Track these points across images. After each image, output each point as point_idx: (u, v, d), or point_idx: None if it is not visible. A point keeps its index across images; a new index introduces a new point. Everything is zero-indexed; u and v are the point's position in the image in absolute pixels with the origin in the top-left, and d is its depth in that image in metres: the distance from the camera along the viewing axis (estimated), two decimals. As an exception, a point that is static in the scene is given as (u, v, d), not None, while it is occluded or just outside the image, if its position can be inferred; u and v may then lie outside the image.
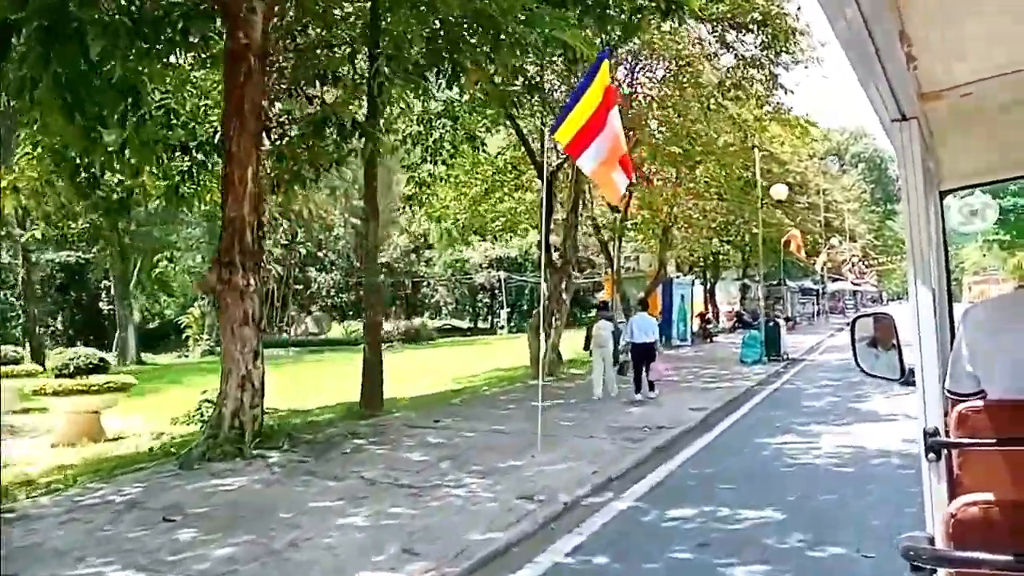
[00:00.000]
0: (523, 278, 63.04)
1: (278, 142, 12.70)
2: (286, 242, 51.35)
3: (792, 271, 41.92)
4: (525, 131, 19.64)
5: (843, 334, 35.13)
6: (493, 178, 21.54)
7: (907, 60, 1.69)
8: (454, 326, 67.37)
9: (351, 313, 62.75)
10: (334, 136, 12.07)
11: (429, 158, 16.52)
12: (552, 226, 20.88)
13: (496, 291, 67.46)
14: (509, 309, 64.55)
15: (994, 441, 1.81)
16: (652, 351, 15.30)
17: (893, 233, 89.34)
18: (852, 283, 61.33)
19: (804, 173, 39.85)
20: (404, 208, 27.36)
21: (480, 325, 68.93)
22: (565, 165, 19.23)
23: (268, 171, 12.08)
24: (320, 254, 56.80)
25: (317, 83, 13.17)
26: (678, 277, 31.16)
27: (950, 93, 1.99)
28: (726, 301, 44.92)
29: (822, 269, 36.39)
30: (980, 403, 1.92)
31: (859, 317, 2.80)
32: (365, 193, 13.72)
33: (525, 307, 63.49)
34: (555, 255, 20.03)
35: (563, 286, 19.22)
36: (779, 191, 22.73)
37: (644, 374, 14.82)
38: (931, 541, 1.73)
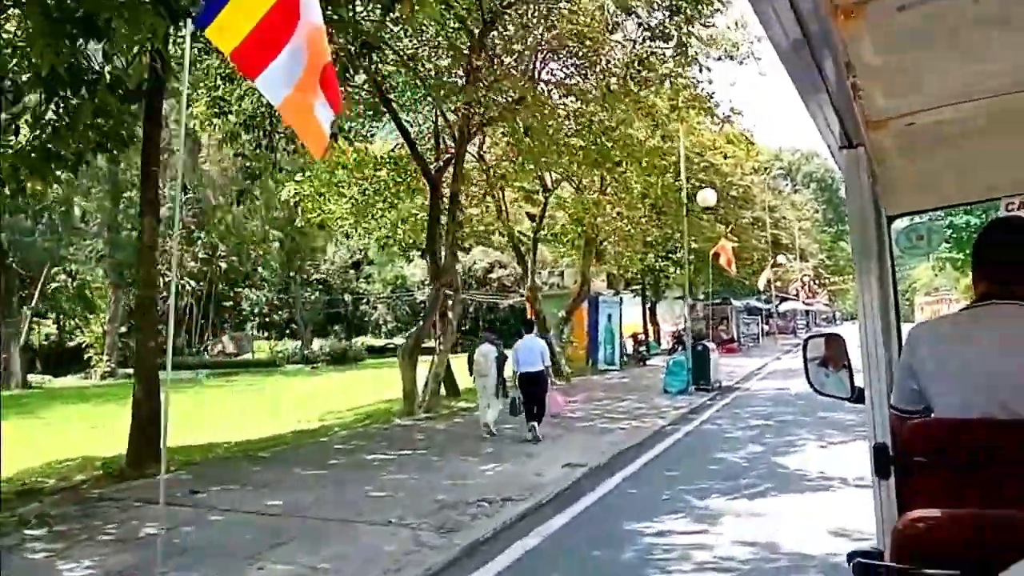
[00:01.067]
0: (467, 296, 59.28)
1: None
2: (205, 255, 47.34)
3: (737, 289, 39.25)
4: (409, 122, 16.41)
5: (790, 357, 32.38)
6: (376, 177, 18.10)
7: (852, 90, 1.70)
8: (397, 345, 63.76)
9: (288, 332, 58.73)
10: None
11: (264, 144, 13.03)
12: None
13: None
14: (450, 328, 61.36)
15: (940, 458, 1.84)
16: (540, 382, 12.05)
17: (846, 253, 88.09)
18: (804, 303, 59.06)
19: (748, 187, 37.29)
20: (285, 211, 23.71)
21: (427, 344, 65.50)
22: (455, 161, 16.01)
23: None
24: (247, 269, 52.69)
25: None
26: (606, 294, 27.97)
27: (894, 122, 2.03)
28: (671, 320, 42.04)
29: (766, 287, 33.80)
30: (927, 420, 1.97)
31: (811, 337, 2.73)
32: (141, 180, 10.25)
33: (468, 326, 60.35)
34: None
35: (448, 303, 15.91)
36: (706, 197, 19.73)
37: (536, 409, 11.89)
38: (880, 556, 1.81)
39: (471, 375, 14.29)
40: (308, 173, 18.56)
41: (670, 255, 33.99)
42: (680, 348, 32.58)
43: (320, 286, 63.07)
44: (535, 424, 11.91)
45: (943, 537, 1.61)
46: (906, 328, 2.40)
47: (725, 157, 35.04)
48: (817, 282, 70.90)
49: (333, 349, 45.80)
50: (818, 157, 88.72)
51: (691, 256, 34.66)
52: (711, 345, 19.97)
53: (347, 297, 63.86)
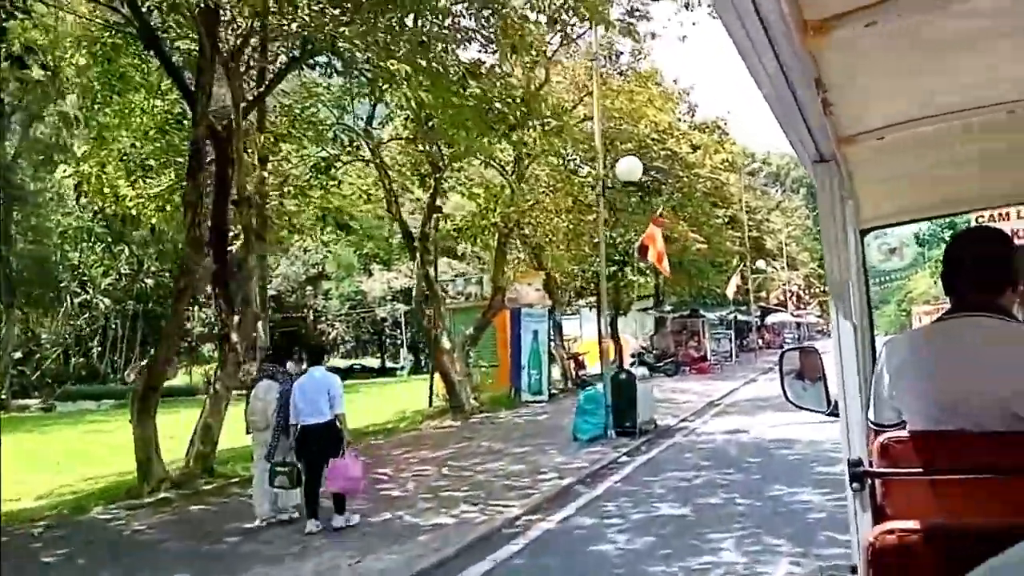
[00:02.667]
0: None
1: None
2: (129, 271, 42.07)
3: (712, 301, 33.88)
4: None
5: (766, 379, 26.95)
6: (143, 125, 12.48)
7: (823, 106, 1.68)
8: (364, 366, 58.61)
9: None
10: None
11: None
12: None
13: (400, 327, 58.62)
14: (410, 347, 55.64)
15: (915, 471, 1.82)
16: (332, 438, 7.64)
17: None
18: (793, 314, 53.64)
19: (722, 182, 32.06)
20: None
21: (393, 364, 59.81)
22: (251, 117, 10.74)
23: None
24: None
25: None
26: (536, 307, 22.58)
27: (865, 137, 2.05)
28: (640, 335, 36.65)
29: (735, 295, 28.55)
30: (901, 434, 1.94)
31: (786, 351, 2.81)
32: None
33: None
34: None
35: (233, 321, 10.56)
36: (629, 168, 14.27)
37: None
38: (853, 569, 1.90)
39: (248, 430, 8.97)
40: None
41: (627, 258, 28.71)
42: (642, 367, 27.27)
43: (272, 304, 57.66)
44: (338, 498, 6.95)
45: (917, 549, 1.57)
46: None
47: (694, 148, 29.96)
48: (808, 292, 65.53)
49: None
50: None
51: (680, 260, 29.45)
52: (640, 371, 14.55)
53: (300, 315, 58.51)
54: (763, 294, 39.28)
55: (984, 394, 1.83)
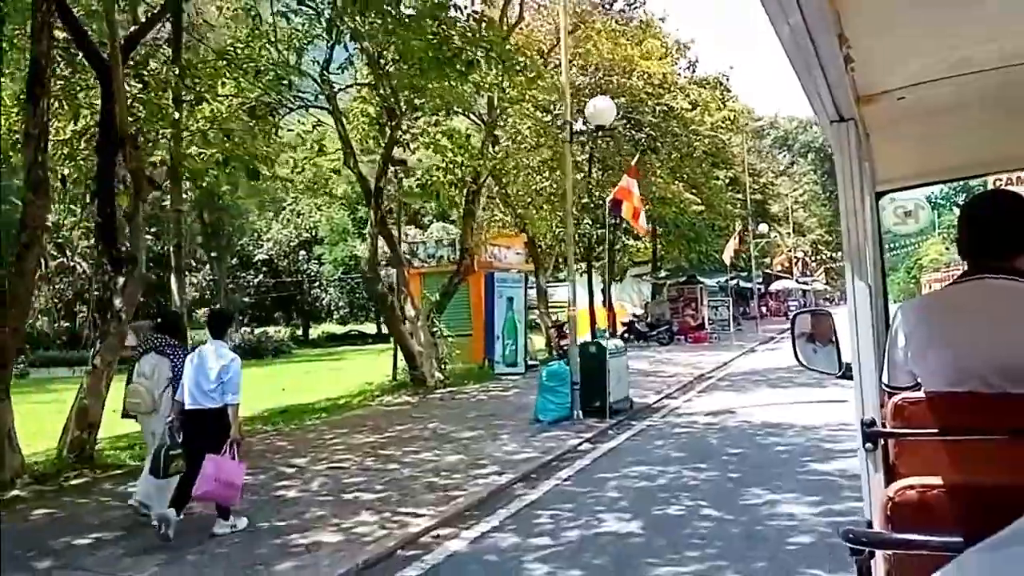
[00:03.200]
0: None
1: None
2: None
3: (710, 266, 31.93)
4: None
5: (766, 349, 25.16)
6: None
7: (845, 63, 1.66)
8: (360, 332, 57.24)
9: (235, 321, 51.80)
10: None
11: None
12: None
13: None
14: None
15: (931, 431, 1.81)
16: (213, 428, 6.16)
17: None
18: (798, 281, 51.63)
19: (723, 142, 30.00)
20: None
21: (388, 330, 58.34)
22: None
23: None
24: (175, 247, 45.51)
25: None
26: (512, 273, 20.77)
27: (885, 96, 2.02)
28: (638, 302, 34.86)
29: (733, 260, 26.60)
30: (916, 395, 1.94)
31: (799, 314, 2.71)
32: None
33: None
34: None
35: (118, 283, 8.84)
36: (599, 110, 12.18)
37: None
38: (869, 525, 1.76)
39: (124, 413, 7.29)
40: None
41: (613, 223, 26.81)
42: (632, 338, 25.50)
43: (265, 268, 56.21)
44: (171, 512, 5.70)
45: (935, 504, 1.59)
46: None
47: (694, 106, 27.85)
48: (815, 259, 63.49)
49: (245, 340, 38.56)
50: (817, 126, 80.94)
51: (675, 221, 27.28)
52: (614, 343, 12.74)
53: (292, 280, 56.94)
54: (768, 260, 37.25)
55: (1000, 356, 1.82)
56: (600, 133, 15.87)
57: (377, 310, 62.84)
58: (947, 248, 53.64)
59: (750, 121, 62.44)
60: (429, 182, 15.70)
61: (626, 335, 25.68)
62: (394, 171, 15.80)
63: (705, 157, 28.71)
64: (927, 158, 2.76)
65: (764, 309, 48.26)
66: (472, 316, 19.06)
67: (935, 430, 1.81)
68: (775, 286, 48.94)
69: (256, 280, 55.14)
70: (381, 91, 14.27)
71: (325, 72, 15.31)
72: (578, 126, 13.16)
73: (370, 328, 59.56)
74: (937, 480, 1.60)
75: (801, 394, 12.89)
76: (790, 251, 51.97)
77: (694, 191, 26.77)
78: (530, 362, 18.93)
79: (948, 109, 2.17)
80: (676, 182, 26.30)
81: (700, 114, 27.80)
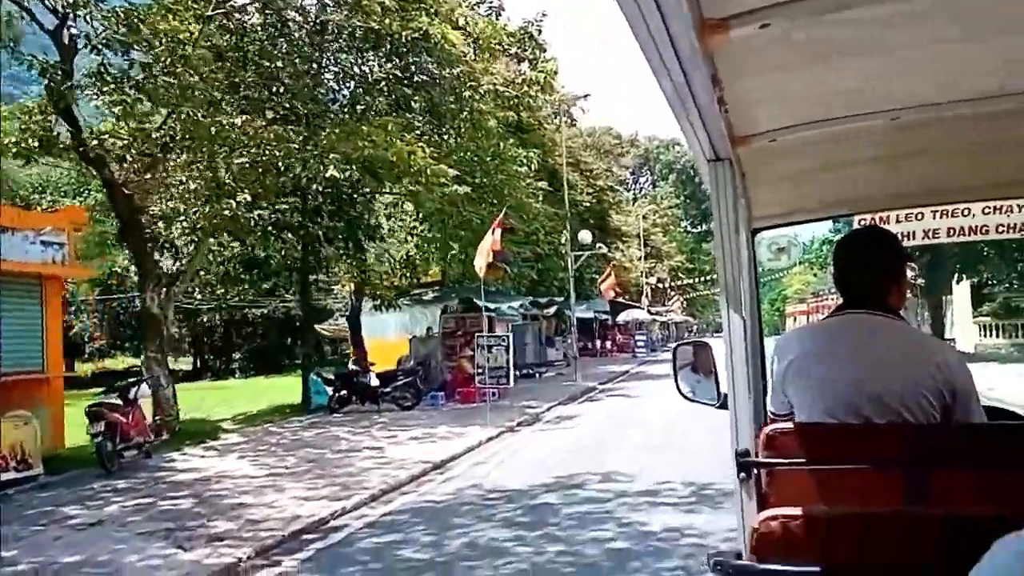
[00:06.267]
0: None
1: None
2: None
3: (510, 286, 22.43)
4: None
5: (558, 420, 15.62)
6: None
7: (719, 104, 1.67)
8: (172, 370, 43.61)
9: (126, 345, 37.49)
10: None
11: None
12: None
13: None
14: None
15: (799, 461, 1.82)
16: None
17: (710, 257, 74.39)
18: (649, 311, 43.39)
19: (516, 99, 20.63)
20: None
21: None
22: None
23: None
24: None
25: None
26: None
27: (758, 138, 2.02)
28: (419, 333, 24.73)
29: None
30: (785, 425, 1.95)
31: (680, 345, 2.83)
32: None
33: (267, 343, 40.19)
34: None
35: None
36: None
37: None
38: (739, 555, 1.76)
39: None
40: None
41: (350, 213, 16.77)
42: (385, 396, 15.42)
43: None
44: None
45: (798, 534, 1.59)
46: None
47: (468, 39, 18.45)
48: (673, 286, 56.05)
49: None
50: (679, 146, 74.79)
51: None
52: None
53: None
54: (608, 283, 28.36)
55: (868, 390, 1.86)
56: None
57: (198, 343, 49.12)
58: (808, 283, 47.55)
59: (610, 140, 54.68)
60: None
61: (340, 394, 15.54)
62: None
63: (496, 125, 19.25)
64: (799, 197, 2.80)
65: (609, 344, 39.56)
66: None
67: (803, 460, 1.82)
68: (623, 316, 40.42)
69: None
70: None
71: None
72: None
73: (183, 365, 46.23)
74: (803, 510, 1.61)
75: None
76: (642, 275, 43.70)
77: (463, 169, 17.11)
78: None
79: (816, 153, 2.22)
80: (438, 152, 16.53)
81: (482, 58, 18.35)
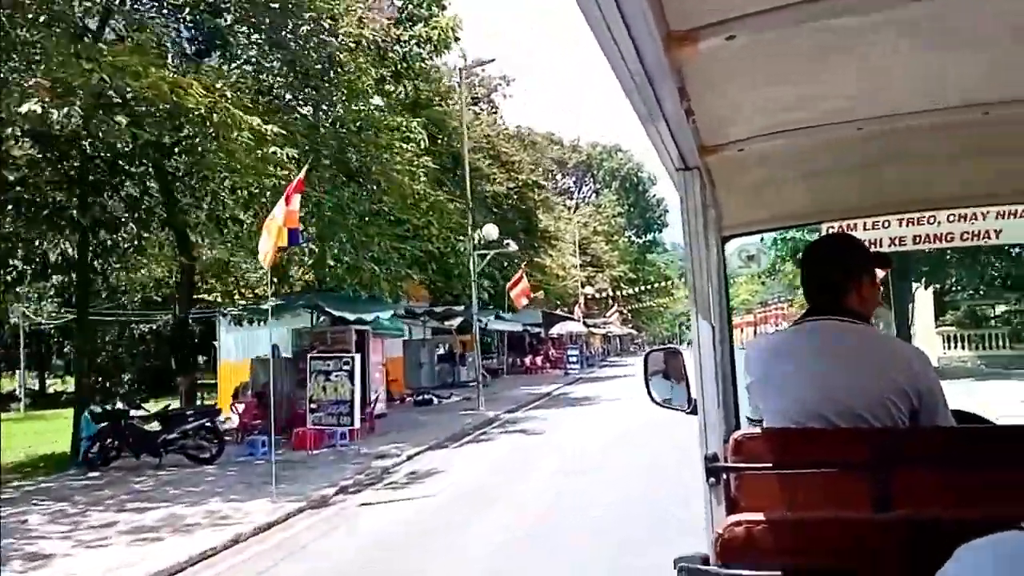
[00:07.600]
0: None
1: None
2: None
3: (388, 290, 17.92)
4: None
5: (385, 489, 10.86)
6: None
7: (686, 115, 1.65)
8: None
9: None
10: None
11: None
12: None
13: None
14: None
15: (766, 465, 1.80)
16: None
17: (655, 268, 70.64)
18: (585, 323, 39.14)
19: (384, 43, 16.25)
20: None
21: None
22: None
23: None
24: None
25: None
26: None
27: (726, 147, 2.02)
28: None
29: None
30: (753, 431, 1.95)
31: (651, 352, 2.77)
32: None
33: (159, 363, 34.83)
34: None
35: None
36: None
37: None
38: (705, 560, 1.76)
39: None
40: None
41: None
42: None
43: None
44: None
45: (762, 539, 1.59)
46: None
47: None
48: (616, 298, 52.05)
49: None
50: (622, 152, 71.19)
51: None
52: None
53: None
54: (520, 289, 23.99)
55: (833, 396, 1.85)
56: None
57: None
58: (763, 284, 44.07)
59: (541, 137, 50.47)
60: None
61: (108, 442, 10.67)
62: None
63: (350, 75, 14.71)
64: (768, 205, 2.76)
65: (540, 360, 35.12)
66: None
67: (770, 464, 1.80)
68: (556, 329, 36.07)
69: None
70: None
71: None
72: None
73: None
74: (768, 515, 1.61)
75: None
76: (578, 283, 39.43)
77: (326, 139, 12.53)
78: None
79: (785, 161, 2.22)
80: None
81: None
